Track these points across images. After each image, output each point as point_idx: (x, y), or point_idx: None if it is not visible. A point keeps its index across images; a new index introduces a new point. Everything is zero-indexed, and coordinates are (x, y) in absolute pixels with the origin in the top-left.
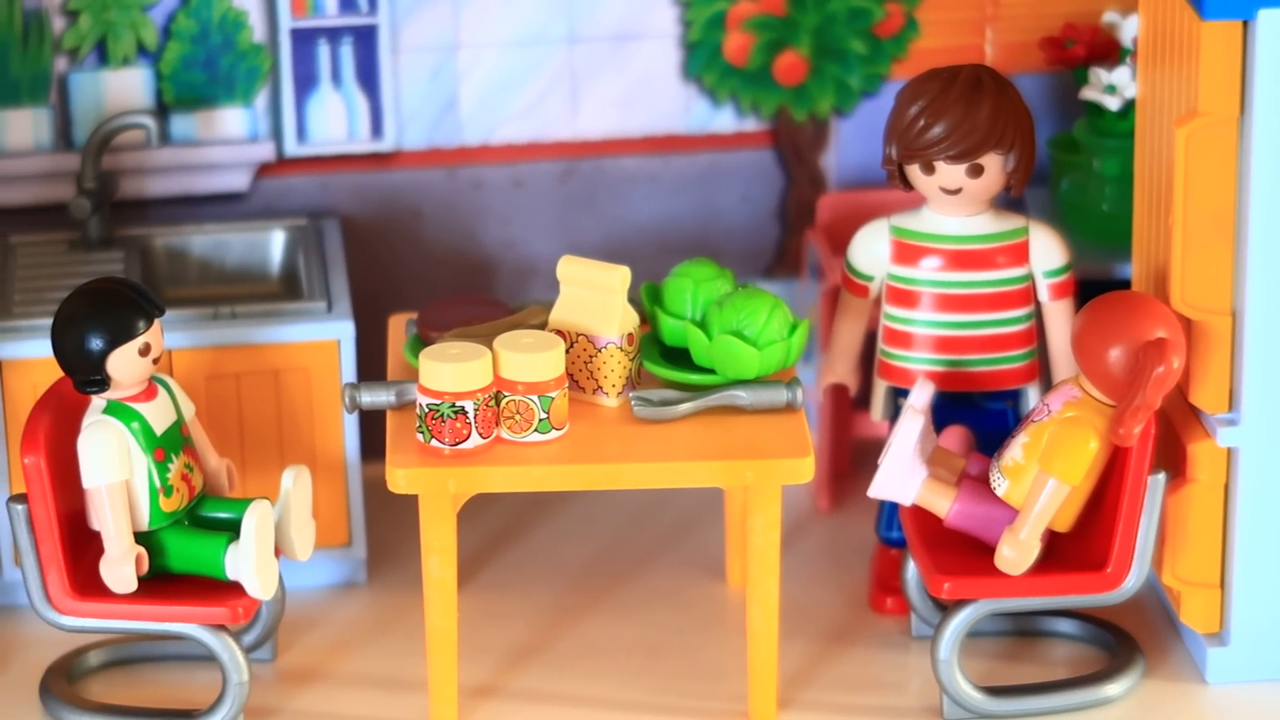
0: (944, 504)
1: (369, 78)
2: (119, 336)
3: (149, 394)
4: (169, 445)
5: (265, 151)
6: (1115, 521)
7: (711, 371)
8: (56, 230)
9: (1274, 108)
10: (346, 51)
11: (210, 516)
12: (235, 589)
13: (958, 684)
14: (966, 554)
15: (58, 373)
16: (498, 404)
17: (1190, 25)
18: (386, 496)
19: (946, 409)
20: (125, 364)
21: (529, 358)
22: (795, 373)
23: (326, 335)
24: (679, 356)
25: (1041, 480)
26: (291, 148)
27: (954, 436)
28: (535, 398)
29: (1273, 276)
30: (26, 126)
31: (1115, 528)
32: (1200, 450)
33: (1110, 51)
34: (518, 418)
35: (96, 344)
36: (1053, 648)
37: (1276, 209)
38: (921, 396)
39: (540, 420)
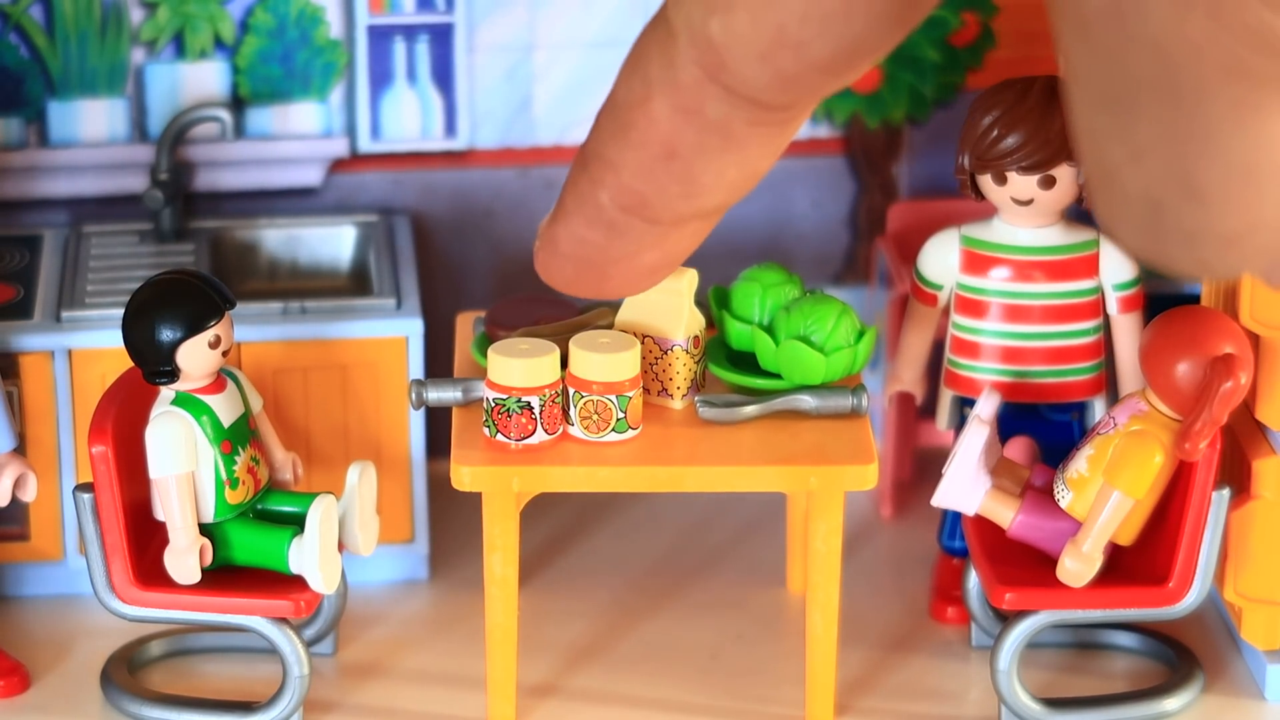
0: (1007, 515)
1: (444, 76)
2: (190, 328)
3: (218, 386)
4: (236, 438)
5: (339, 147)
6: (1178, 536)
7: (777, 376)
8: (129, 221)
9: None
10: (422, 49)
11: (275, 510)
12: (298, 583)
13: (1016, 695)
14: (1028, 565)
15: (126, 363)
16: (565, 401)
17: None
18: (450, 493)
19: (1012, 420)
20: (195, 356)
21: (606, 357)
22: (861, 379)
23: (395, 332)
24: (745, 361)
25: (1106, 493)
26: (365, 144)
27: (1019, 447)
28: (613, 398)
29: None
30: (102, 117)
31: (1178, 542)
32: (1265, 466)
33: None
34: (595, 418)
35: (167, 335)
36: (1112, 661)
37: None
38: (988, 407)
39: (618, 420)
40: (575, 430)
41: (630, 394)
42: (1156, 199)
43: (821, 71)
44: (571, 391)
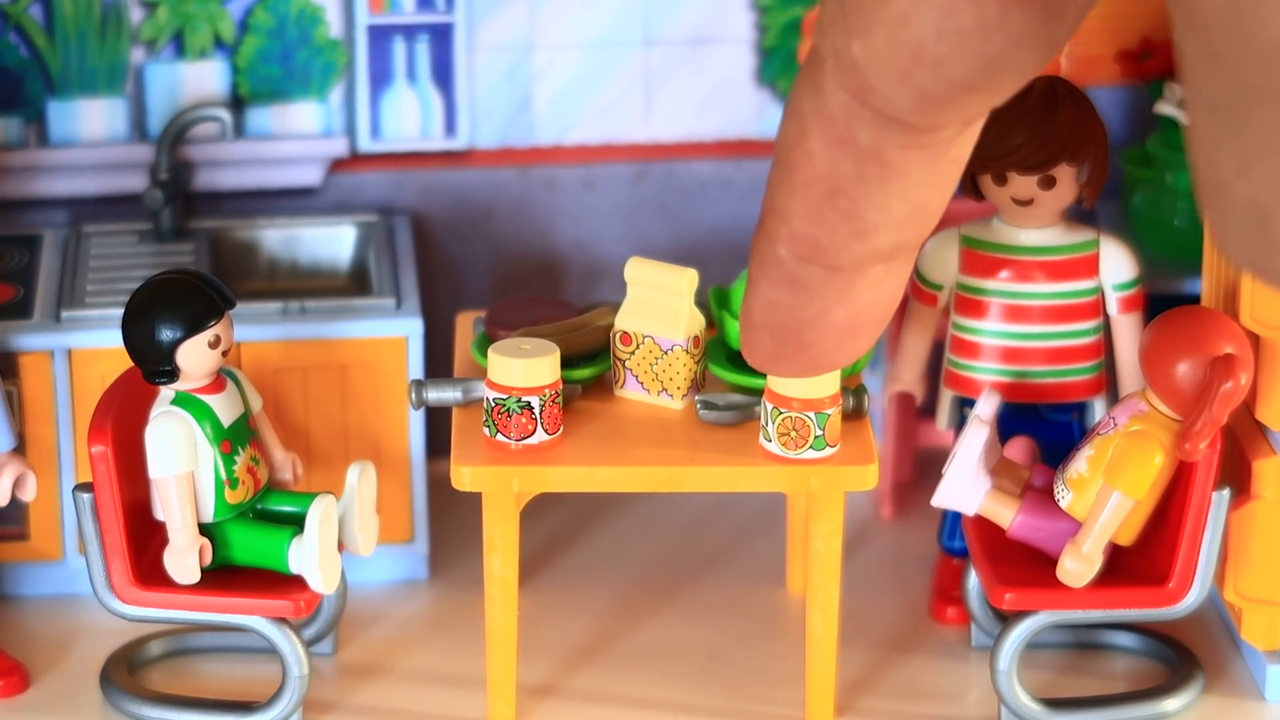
0: (1007, 515)
1: (444, 76)
2: (190, 328)
3: (217, 386)
4: (236, 438)
5: (339, 147)
6: (1178, 536)
7: None
8: (129, 221)
9: None
10: (422, 49)
11: (275, 510)
12: (298, 583)
13: (1016, 695)
14: (1028, 565)
15: (126, 363)
16: (565, 402)
17: None
18: (450, 493)
19: (1012, 420)
20: (195, 356)
21: None
22: (861, 379)
23: (395, 332)
24: (745, 361)
25: (1105, 493)
26: (365, 144)
27: (1019, 448)
28: (812, 414)
29: None
30: (102, 117)
31: (1178, 543)
32: (1265, 467)
33: None
34: (793, 434)
35: (167, 335)
36: (1112, 661)
37: None
38: (988, 407)
39: (816, 437)
40: (772, 446)
41: (829, 411)
42: (1264, 210)
43: (964, 90)
44: (769, 407)
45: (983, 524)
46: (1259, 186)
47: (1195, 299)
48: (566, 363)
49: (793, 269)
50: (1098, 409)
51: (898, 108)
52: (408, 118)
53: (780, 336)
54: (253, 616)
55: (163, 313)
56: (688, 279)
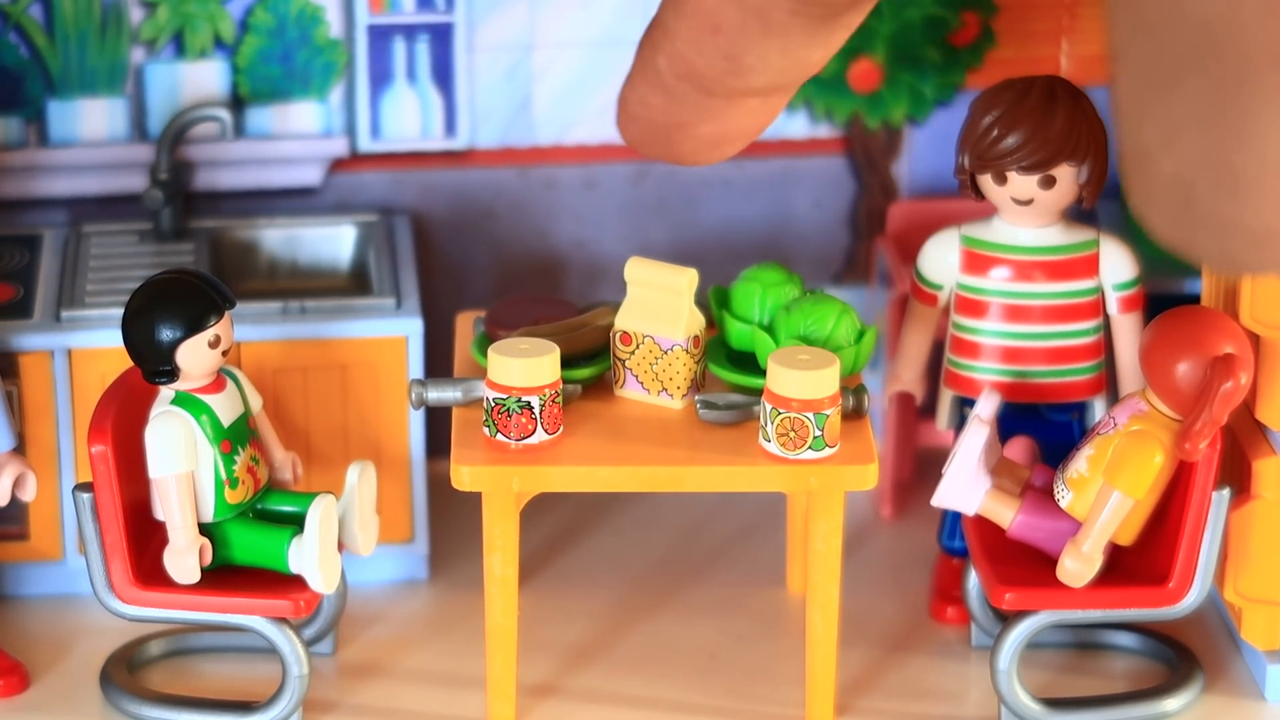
0: (1007, 515)
1: (444, 76)
2: (190, 328)
3: (217, 386)
4: (235, 438)
5: (339, 147)
6: (1178, 536)
7: None
8: (129, 220)
9: None
10: (422, 49)
11: (275, 510)
12: (298, 582)
13: (1016, 695)
14: (1028, 565)
15: (126, 362)
16: (565, 402)
17: None
18: (450, 493)
19: (1012, 420)
20: (195, 355)
21: (805, 374)
22: (861, 379)
23: (395, 332)
24: (745, 361)
25: (1105, 493)
26: (365, 144)
27: (1019, 447)
28: (810, 415)
29: None
30: (102, 116)
31: (1178, 542)
32: (1265, 467)
33: None
34: (791, 434)
35: (167, 335)
36: (1112, 661)
37: None
38: (988, 407)
39: (815, 438)
40: (771, 447)
41: (828, 411)
42: (1189, 183)
43: None
44: (768, 408)
45: (983, 524)
46: (1183, 160)
47: (1195, 299)
48: (566, 363)
49: (669, 81)
50: (1098, 409)
51: None
52: (408, 118)
53: (649, 131)
54: (253, 616)
55: (163, 313)
56: (688, 279)
